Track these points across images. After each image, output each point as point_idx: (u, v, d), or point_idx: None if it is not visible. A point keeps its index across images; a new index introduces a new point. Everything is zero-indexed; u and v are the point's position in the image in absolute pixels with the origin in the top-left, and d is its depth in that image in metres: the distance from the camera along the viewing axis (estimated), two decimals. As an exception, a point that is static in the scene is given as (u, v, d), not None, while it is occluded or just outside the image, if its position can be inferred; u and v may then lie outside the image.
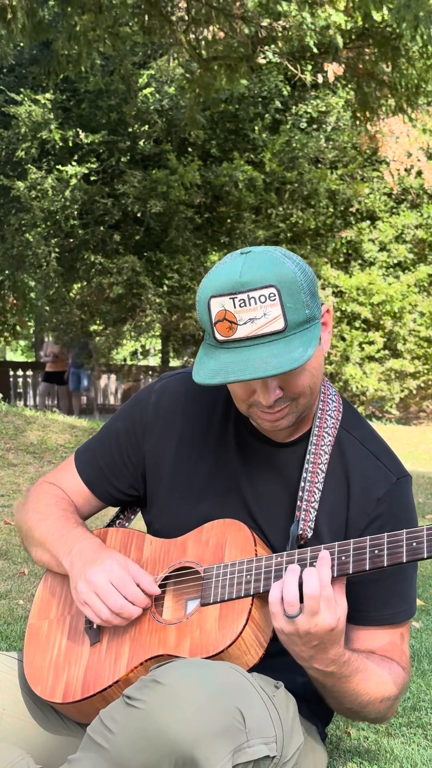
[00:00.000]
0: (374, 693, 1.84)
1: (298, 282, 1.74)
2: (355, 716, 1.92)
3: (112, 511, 2.23)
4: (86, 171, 18.95)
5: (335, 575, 1.72)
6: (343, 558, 1.73)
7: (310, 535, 1.86)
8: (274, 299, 1.71)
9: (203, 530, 1.92)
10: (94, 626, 1.92)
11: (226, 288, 1.73)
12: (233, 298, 1.72)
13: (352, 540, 1.74)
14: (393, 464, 1.98)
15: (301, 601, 1.68)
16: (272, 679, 1.84)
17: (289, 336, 1.73)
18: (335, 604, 1.69)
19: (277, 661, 1.86)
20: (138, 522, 2.11)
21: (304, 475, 1.90)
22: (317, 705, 1.99)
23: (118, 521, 2.17)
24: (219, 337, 1.75)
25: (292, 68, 14.70)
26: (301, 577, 1.70)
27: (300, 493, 1.89)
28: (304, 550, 1.78)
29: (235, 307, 1.72)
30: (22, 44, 13.61)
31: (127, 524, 2.16)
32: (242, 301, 1.71)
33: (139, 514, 2.17)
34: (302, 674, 1.93)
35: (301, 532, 1.86)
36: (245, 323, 1.72)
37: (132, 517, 2.18)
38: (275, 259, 1.76)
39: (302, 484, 1.90)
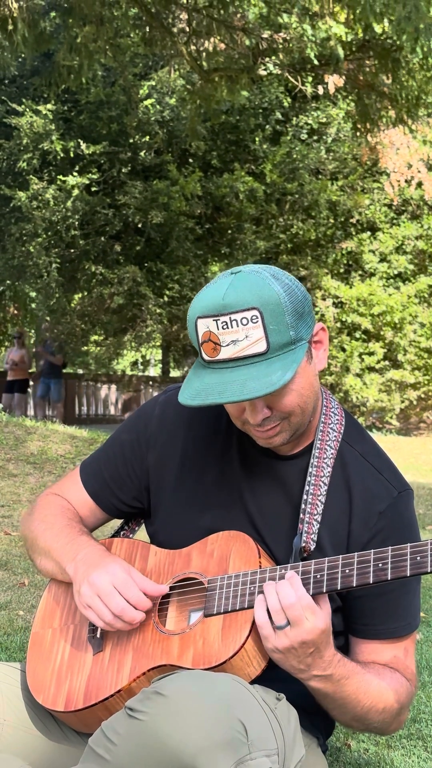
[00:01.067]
0: (375, 698, 1.84)
1: (282, 304, 1.75)
2: (360, 725, 1.92)
3: (115, 523, 2.24)
4: (87, 182, 19.01)
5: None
6: (347, 571, 1.74)
7: (312, 547, 1.86)
8: (257, 321, 1.72)
9: (208, 542, 1.92)
10: (98, 635, 1.92)
11: (210, 309, 1.74)
12: (216, 320, 1.74)
13: (356, 553, 1.75)
14: (395, 478, 1.98)
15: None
16: (274, 691, 1.84)
17: (270, 358, 1.74)
18: (318, 608, 1.73)
19: (278, 673, 1.86)
20: (142, 534, 2.12)
21: (306, 488, 1.91)
22: (318, 717, 1.99)
23: (122, 533, 2.18)
24: (205, 357, 1.77)
25: (292, 80, 14.75)
26: (277, 592, 1.74)
27: (303, 506, 1.90)
28: (308, 562, 1.79)
29: (218, 329, 1.73)
30: (23, 55, 13.65)
31: (131, 536, 2.17)
32: (225, 323, 1.73)
33: (143, 527, 2.17)
34: (304, 686, 1.93)
35: (304, 544, 1.86)
36: (228, 345, 1.73)
37: (136, 528, 2.19)
38: (261, 280, 1.76)
39: (305, 497, 1.90)
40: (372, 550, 1.74)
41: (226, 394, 1.72)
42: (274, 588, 1.74)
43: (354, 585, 1.73)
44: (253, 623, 1.78)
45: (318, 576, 1.76)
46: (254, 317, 1.72)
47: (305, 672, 1.75)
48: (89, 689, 1.87)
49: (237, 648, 1.75)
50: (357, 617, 1.91)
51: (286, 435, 1.87)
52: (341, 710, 1.86)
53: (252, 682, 1.78)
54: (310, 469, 1.92)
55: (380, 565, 1.71)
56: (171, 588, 1.92)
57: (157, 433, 2.06)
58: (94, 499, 2.13)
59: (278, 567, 1.82)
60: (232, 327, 1.73)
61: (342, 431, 1.98)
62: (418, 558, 1.69)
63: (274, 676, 1.84)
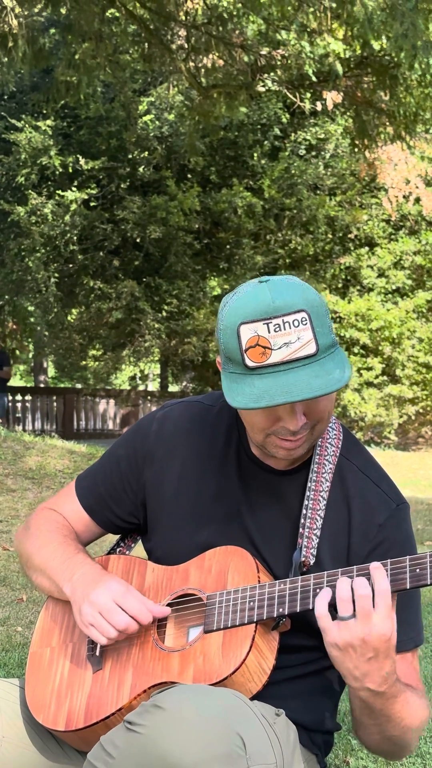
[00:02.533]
0: (414, 716, 1.82)
1: (323, 306, 1.78)
2: (392, 746, 1.88)
3: (112, 537, 2.23)
4: (86, 197, 19.06)
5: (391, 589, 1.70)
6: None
7: (312, 562, 1.86)
8: (306, 323, 1.73)
9: (205, 557, 1.92)
10: (97, 653, 1.91)
11: (258, 314, 1.73)
12: (267, 323, 1.73)
13: (355, 567, 1.74)
14: (392, 491, 1.99)
15: (354, 609, 1.67)
16: (273, 707, 1.83)
17: (321, 359, 1.75)
18: (391, 613, 1.67)
19: (278, 690, 1.85)
20: (139, 550, 2.11)
21: (305, 502, 1.91)
22: (318, 734, 1.98)
23: (118, 549, 2.17)
24: (250, 363, 1.75)
25: (291, 96, 14.82)
26: (352, 583, 1.69)
27: (302, 521, 1.90)
28: (307, 576, 1.78)
29: (269, 332, 1.72)
30: (22, 71, 13.70)
31: (127, 552, 2.16)
32: (277, 326, 1.72)
33: (140, 543, 2.17)
34: (303, 703, 1.93)
35: (303, 559, 1.86)
36: (280, 348, 1.72)
37: (132, 545, 2.18)
38: (299, 284, 1.79)
39: (304, 511, 1.90)
40: (371, 564, 1.74)
41: (293, 393, 1.71)
42: (350, 580, 1.69)
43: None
44: (254, 639, 1.77)
45: (318, 590, 1.75)
46: (303, 319, 1.73)
47: (359, 681, 1.70)
48: (90, 708, 1.86)
49: (238, 664, 1.75)
50: None
51: (307, 445, 1.88)
52: (381, 728, 1.81)
53: (252, 698, 1.77)
54: (308, 484, 1.93)
55: None
56: (169, 604, 1.92)
57: (154, 448, 2.05)
58: (89, 513, 2.13)
59: (277, 582, 1.81)
60: (284, 329, 1.72)
61: (340, 446, 1.99)
62: (418, 570, 1.68)
63: (274, 693, 1.83)
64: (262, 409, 1.75)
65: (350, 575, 1.74)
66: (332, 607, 1.70)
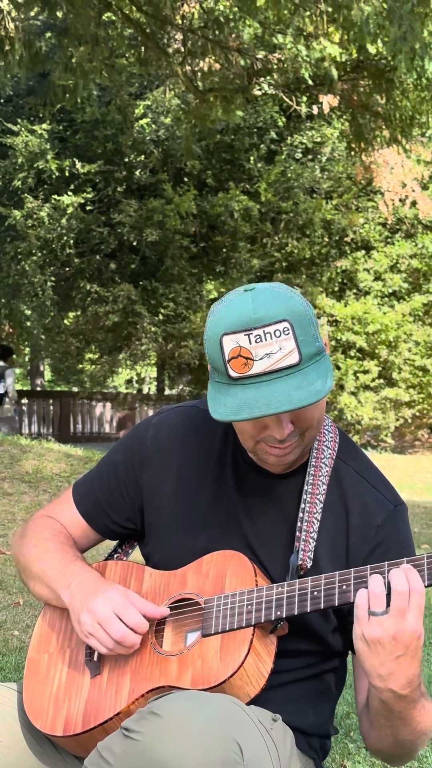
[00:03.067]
0: (429, 721, 1.81)
1: (308, 315, 1.77)
2: (401, 751, 1.87)
3: (109, 544, 2.23)
4: (82, 200, 19.06)
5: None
6: (344, 587, 1.73)
7: (309, 565, 1.86)
8: (288, 333, 1.72)
9: (203, 562, 1.92)
10: (95, 658, 1.91)
11: (239, 325, 1.74)
12: (248, 335, 1.73)
13: (352, 569, 1.74)
14: (389, 493, 1.99)
15: (388, 604, 1.66)
16: (270, 712, 1.83)
17: (304, 369, 1.75)
18: (422, 612, 1.66)
19: (276, 694, 1.85)
20: (136, 556, 2.11)
21: (302, 505, 1.91)
22: (315, 738, 1.98)
23: (116, 555, 2.17)
24: (233, 374, 1.75)
25: (287, 100, 14.83)
26: (387, 578, 1.67)
27: (299, 524, 1.90)
28: (305, 579, 1.78)
29: (250, 343, 1.73)
30: (19, 75, 13.71)
31: (125, 558, 2.16)
32: (258, 337, 1.72)
33: (137, 549, 2.17)
34: (300, 707, 1.92)
35: (300, 562, 1.86)
36: (261, 358, 1.73)
37: (130, 551, 2.18)
38: (283, 293, 1.78)
39: (301, 514, 1.90)
40: (369, 566, 1.74)
41: (273, 406, 1.71)
42: (383, 576, 1.69)
43: (352, 601, 1.71)
44: (252, 642, 1.77)
45: (315, 593, 1.75)
46: (286, 329, 1.72)
47: (383, 680, 1.68)
48: (88, 713, 1.86)
49: (236, 667, 1.75)
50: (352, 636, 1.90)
51: (298, 452, 1.88)
52: (396, 730, 1.80)
53: (250, 702, 1.77)
54: (305, 487, 1.93)
55: None
56: (168, 609, 1.91)
57: (151, 453, 2.05)
58: (86, 520, 2.13)
59: (275, 585, 1.81)
60: (265, 340, 1.72)
61: (336, 448, 1.99)
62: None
63: (272, 697, 1.83)
64: (245, 420, 1.75)
65: (304, 592, 1.74)
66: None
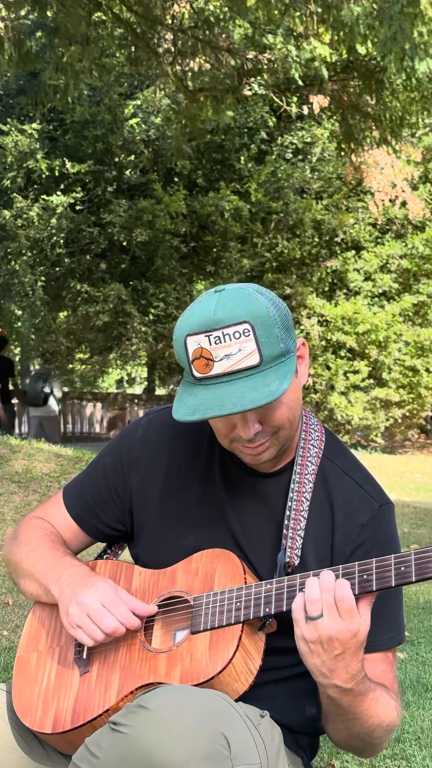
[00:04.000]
0: (382, 715, 1.84)
1: (272, 317, 1.78)
2: (360, 744, 1.90)
3: (98, 546, 2.24)
4: (72, 200, 19.04)
5: (356, 593, 1.72)
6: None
7: (297, 562, 1.88)
8: (249, 335, 1.74)
9: (192, 560, 1.93)
10: (84, 656, 1.92)
11: (201, 326, 1.76)
12: (208, 336, 1.75)
13: (340, 566, 1.76)
14: (375, 492, 2.00)
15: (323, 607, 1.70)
16: (257, 709, 1.83)
17: (264, 370, 1.76)
18: (356, 611, 1.69)
19: (264, 691, 1.86)
20: (125, 557, 2.12)
21: (289, 503, 1.92)
22: (304, 736, 1.99)
23: (105, 556, 2.18)
24: (196, 374, 1.78)
25: (277, 100, 14.84)
26: (319, 582, 1.71)
27: (286, 522, 1.91)
28: (293, 576, 1.79)
29: (210, 345, 1.75)
30: (9, 74, 13.69)
31: (114, 559, 2.17)
32: (217, 338, 1.75)
33: (126, 550, 2.18)
34: (288, 705, 1.93)
35: (288, 559, 1.87)
36: (221, 359, 1.75)
37: (119, 552, 2.19)
38: (248, 295, 1.79)
39: (287, 512, 1.92)
40: (356, 562, 1.75)
41: (226, 407, 1.74)
42: (317, 579, 1.72)
43: None
44: (240, 638, 1.78)
45: (303, 589, 1.76)
46: (246, 330, 1.74)
47: (326, 677, 1.72)
48: (77, 710, 1.87)
49: (225, 663, 1.76)
50: None
51: (273, 450, 1.88)
52: (348, 724, 1.84)
53: (239, 699, 1.78)
54: (291, 485, 1.94)
55: (365, 576, 1.72)
56: (157, 607, 1.92)
57: (139, 454, 2.06)
58: (77, 521, 2.14)
59: (263, 582, 1.82)
60: (224, 341, 1.74)
61: (322, 447, 2.00)
62: (402, 568, 1.70)
63: (260, 694, 1.84)
64: (203, 420, 1.77)
65: (293, 589, 1.77)
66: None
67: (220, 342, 1.74)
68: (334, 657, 1.69)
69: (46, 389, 18.67)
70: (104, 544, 2.22)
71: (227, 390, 1.75)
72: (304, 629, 1.70)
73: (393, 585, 1.70)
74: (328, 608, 1.68)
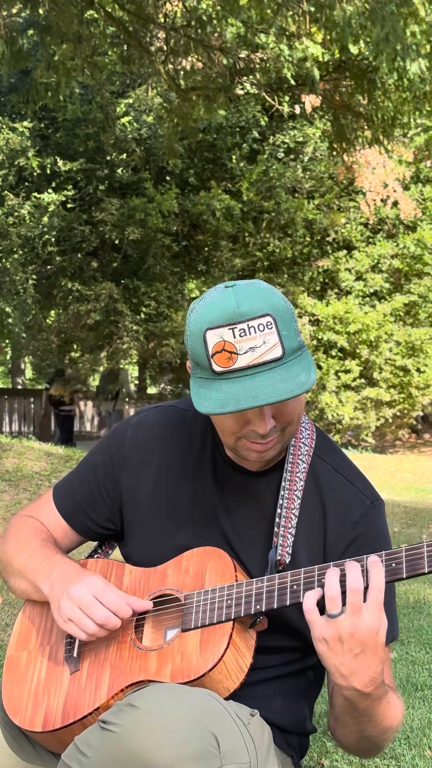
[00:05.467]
0: (393, 717, 1.83)
1: (289, 310, 1.79)
2: (368, 745, 1.89)
3: (89, 545, 2.23)
4: (63, 198, 19.00)
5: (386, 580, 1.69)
6: (323, 581, 1.74)
7: (288, 560, 1.88)
8: (272, 327, 1.74)
9: (183, 558, 1.93)
10: (74, 654, 1.91)
11: (223, 319, 1.75)
12: (233, 329, 1.74)
13: (332, 563, 1.75)
14: (366, 489, 2.01)
15: (344, 603, 1.66)
16: (248, 707, 1.83)
17: (287, 362, 1.76)
18: (381, 608, 1.66)
19: (255, 690, 1.86)
20: (116, 556, 2.12)
21: (280, 501, 1.92)
22: (293, 736, 1.99)
23: (96, 555, 2.18)
24: (217, 368, 1.76)
25: (269, 99, 14.85)
26: (343, 575, 1.68)
27: (277, 520, 1.91)
28: (284, 574, 1.79)
29: (235, 337, 1.74)
30: (1, 72, 13.67)
31: (105, 558, 2.16)
32: (242, 331, 1.74)
33: (117, 549, 2.17)
34: (279, 704, 1.93)
35: (279, 557, 1.87)
36: (246, 352, 1.74)
37: (110, 551, 2.19)
38: (265, 289, 1.79)
39: (279, 510, 1.92)
40: (347, 559, 1.74)
41: (260, 398, 1.72)
42: (336, 573, 1.69)
43: None
44: (231, 636, 1.78)
45: (294, 587, 1.76)
46: (269, 323, 1.74)
47: (345, 679, 1.69)
48: (67, 708, 1.86)
49: (215, 661, 1.76)
50: None
51: (278, 447, 1.89)
52: (362, 726, 1.81)
53: (229, 697, 1.78)
54: (283, 484, 1.94)
55: None
56: (151, 602, 1.92)
57: (130, 454, 2.06)
58: (67, 520, 2.13)
59: (254, 580, 1.82)
60: (250, 334, 1.74)
61: (313, 445, 2.01)
62: (393, 565, 1.70)
63: (250, 693, 1.84)
64: (229, 414, 1.76)
65: (284, 587, 1.75)
66: (320, 604, 1.69)
67: (245, 334, 1.74)
68: (354, 656, 1.66)
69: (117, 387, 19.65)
70: (95, 543, 2.21)
71: (255, 382, 1.74)
72: (322, 629, 1.67)
73: (385, 581, 1.70)
74: (351, 606, 1.65)
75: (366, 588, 1.66)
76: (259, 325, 1.73)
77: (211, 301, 1.80)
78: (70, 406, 21.07)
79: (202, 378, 1.81)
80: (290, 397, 1.73)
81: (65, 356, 22.06)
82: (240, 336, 1.74)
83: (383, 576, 1.67)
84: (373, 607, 1.65)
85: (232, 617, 1.79)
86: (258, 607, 1.78)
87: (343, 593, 1.67)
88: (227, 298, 1.77)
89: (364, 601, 1.65)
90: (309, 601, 1.69)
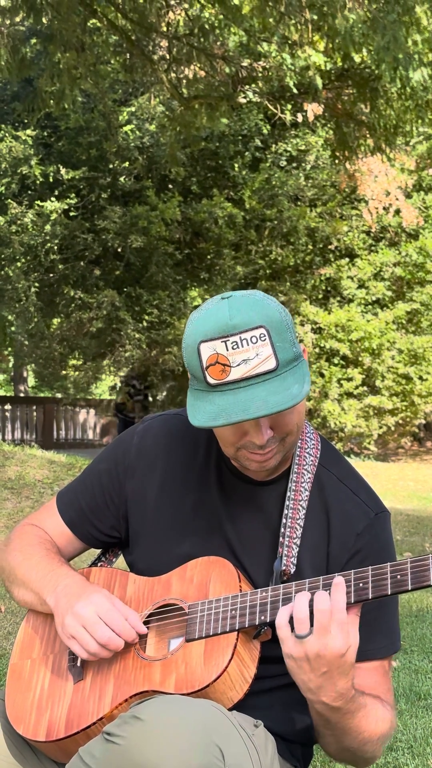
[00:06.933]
0: (373, 730, 1.83)
1: (284, 321, 1.78)
2: (351, 756, 1.90)
3: (92, 552, 2.23)
4: (66, 206, 19.04)
5: (352, 601, 1.72)
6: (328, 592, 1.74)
7: (293, 570, 1.87)
8: (265, 339, 1.74)
9: (187, 568, 1.92)
10: (78, 664, 1.91)
11: (216, 332, 1.75)
12: (225, 341, 1.74)
13: (336, 574, 1.75)
14: (371, 500, 2.00)
15: (312, 624, 1.68)
16: (252, 718, 1.83)
17: (282, 374, 1.76)
18: (347, 630, 1.69)
19: (258, 701, 1.85)
20: (120, 564, 2.11)
21: (285, 512, 1.92)
22: (297, 746, 1.98)
23: (100, 563, 2.17)
24: (211, 380, 1.76)
25: (272, 107, 14.88)
26: (312, 599, 1.70)
27: (282, 530, 1.91)
28: (288, 585, 1.79)
29: (227, 350, 1.74)
30: (5, 81, 13.71)
31: (109, 566, 2.16)
32: (234, 344, 1.74)
33: (121, 557, 2.17)
34: (283, 714, 1.93)
35: (284, 567, 1.87)
36: (239, 365, 1.74)
37: (114, 559, 2.18)
38: (260, 300, 1.79)
39: (284, 520, 1.91)
40: (352, 570, 1.74)
41: (251, 411, 1.73)
42: (307, 595, 1.71)
43: None
44: (235, 646, 1.77)
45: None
46: (262, 335, 1.74)
47: (313, 693, 1.72)
48: (70, 718, 1.86)
49: (220, 671, 1.75)
50: None
51: (279, 457, 1.88)
52: (337, 739, 1.83)
53: (233, 708, 1.77)
54: (288, 494, 1.94)
55: (361, 584, 1.72)
56: (151, 614, 1.91)
57: (135, 462, 2.06)
58: (71, 528, 2.13)
59: (259, 590, 1.82)
60: (242, 346, 1.74)
61: (318, 455, 2.00)
62: (398, 576, 1.70)
63: (254, 703, 1.83)
64: (222, 426, 1.76)
65: (288, 597, 1.76)
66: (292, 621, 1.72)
67: (238, 347, 1.74)
68: (320, 674, 1.69)
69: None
70: (99, 551, 2.21)
71: (247, 395, 1.74)
72: (291, 647, 1.69)
73: (389, 593, 1.70)
74: (318, 627, 1.67)
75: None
76: (252, 337, 1.74)
77: (206, 313, 1.80)
78: (133, 414, 21.06)
79: (198, 390, 1.82)
80: (281, 410, 1.73)
81: (67, 364, 22.08)
82: (233, 348, 1.74)
83: (344, 598, 1.69)
84: (338, 628, 1.67)
85: (237, 628, 1.79)
86: (262, 617, 1.78)
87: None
88: (221, 310, 1.77)
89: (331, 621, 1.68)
90: (281, 617, 1.71)
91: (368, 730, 1.81)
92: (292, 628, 1.70)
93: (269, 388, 1.74)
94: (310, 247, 20.66)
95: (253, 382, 1.75)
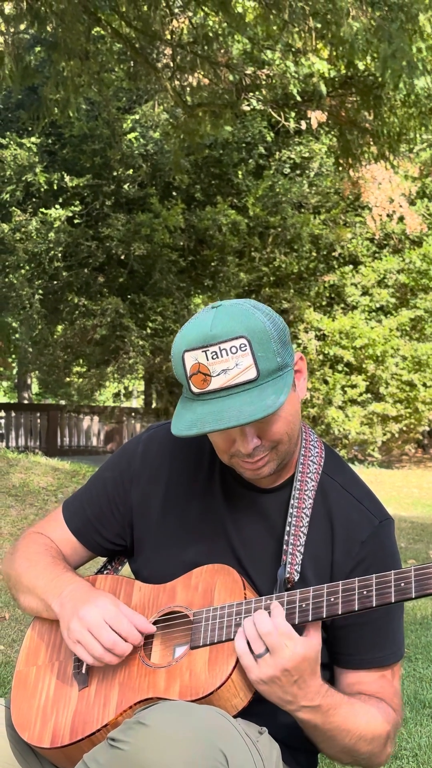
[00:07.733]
0: (363, 729, 1.84)
1: (268, 331, 1.79)
2: (348, 757, 1.91)
3: (98, 561, 2.24)
4: (70, 214, 19.08)
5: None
6: (332, 599, 1.75)
7: (297, 578, 1.87)
8: (245, 349, 1.75)
9: (192, 575, 1.93)
10: (83, 671, 1.91)
11: (198, 342, 1.77)
12: (205, 351, 1.76)
13: (340, 582, 1.76)
14: (375, 508, 2.00)
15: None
16: (256, 725, 1.83)
17: (262, 384, 1.77)
18: (297, 636, 1.73)
19: (263, 708, 1.85)
20: (126, 572, 2.12)
21: (289, 519, 1.92)
22: (301, 753, 1.98)
23: (105, 571, 2.17)
24: (194, 389, 1.79)
25: (275, 115, 14.90)
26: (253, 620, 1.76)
27: (286, 537, 1.91)
28: (293, 592, 1.79)
29: (207, 360, 1.76)
30: (9, 89, 13.74)
31: (114, 574, 2.16)
32: (214, 353, 1.76)
33: (126, 566, 2.17)
34: (287, 721, 1.93)
35: (288, 575, 1.87)
36: (218, 374, 1.76)
37: (119, 567, 2.19)
38: (244, 310, 1.80)
39: (287, 528, 1.92)
40: (357, 578, 1.75)
41: (223, 421, 1.74)
42: (252, 618, 1.75)
43: (339, 613, 1.73)
44: None
45: (303, 605, 1.76)
46: (243, 345, 1.75)
47: (292, 703, 1.74)
48: (75, 725, 1.86)
49: (224, 679, 1.75)
50: (342, 647, 1.91)
51: (273, 465, 1.89)
52: (330, 742, 1.84)
53: (237, 715, 1.78)
54: (291, 501, 1.94)
55: (365, 592, 1.72)
56: (156, 622, 1.91)
57: (140, 470, 2.06)
58: (77, 536, 2.13)
59: (263, 597, 1.82)
60: (221, 356, 1.75)
61: (322, 463, 2.01)
62: (402, 584, 1.70)
63: (258, 710, 1.84)
64: (196, 435, 1.78)
65: (292, 605, 1.79)
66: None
67: (217, 357, 1.75)
68: (293, 683, 1.73)
69: None
70: (104, 559, 2.21)
71: (225, 404, 1.76)
72: (258, 672, 1.73)
73: (393, 601, 1.70)
74: (271, 648, 1.72)
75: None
76: (231, 347, 1.75)
77: (192, 322, 1.83)
78: None
79: (185, 398, 1.84)
80: (252, 421, 1.74)
81: (71, 371, 22.09)
82: (212, 358, 1.76)
83: (283, 618, 1.74)
84: (287, 638, 1.73)
85: (235, 636, 1.79)
86: None
87: None
88: (205, 320, 1.80)
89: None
90: (239, 646, 1.76)
91: (357, 728, 1.83)
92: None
93: (245, 399, 1.76)
94: (314, 254, 20.68)
95: (232, 392, 1.77)
